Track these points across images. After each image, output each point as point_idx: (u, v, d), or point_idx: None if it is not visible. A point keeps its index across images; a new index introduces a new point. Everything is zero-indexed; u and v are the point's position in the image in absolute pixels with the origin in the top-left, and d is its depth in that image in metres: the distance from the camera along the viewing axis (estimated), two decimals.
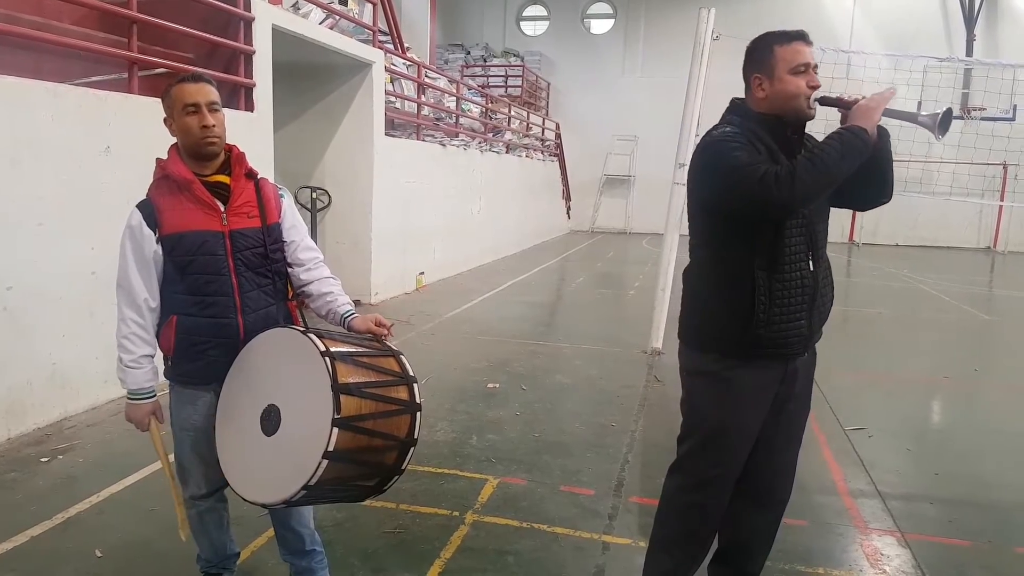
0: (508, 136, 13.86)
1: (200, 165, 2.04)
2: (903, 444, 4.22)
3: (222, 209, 2.04)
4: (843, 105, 1.97)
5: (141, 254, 2.00)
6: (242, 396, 2.01)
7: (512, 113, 14.30)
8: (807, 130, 2.10)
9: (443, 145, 10.11)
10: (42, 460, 3.60)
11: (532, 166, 15.47)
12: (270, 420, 1.92)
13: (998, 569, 2.82)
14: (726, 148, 1.96)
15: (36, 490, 3.27)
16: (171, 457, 2.21)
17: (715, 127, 2.09)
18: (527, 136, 15.46)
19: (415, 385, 2.01)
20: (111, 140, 4.37)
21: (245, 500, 1.95)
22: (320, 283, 2.19)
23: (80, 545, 2.78)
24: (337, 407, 1.79)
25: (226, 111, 6.66)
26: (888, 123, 2.02)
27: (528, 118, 15.63)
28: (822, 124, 2.15)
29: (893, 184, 2.11)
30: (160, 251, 2.00)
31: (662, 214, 6.19)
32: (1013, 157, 15.10)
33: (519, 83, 17.22)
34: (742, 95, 2.12)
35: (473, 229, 11.27)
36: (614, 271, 12.07)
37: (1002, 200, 15.92)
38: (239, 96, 5.72)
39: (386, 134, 8.28)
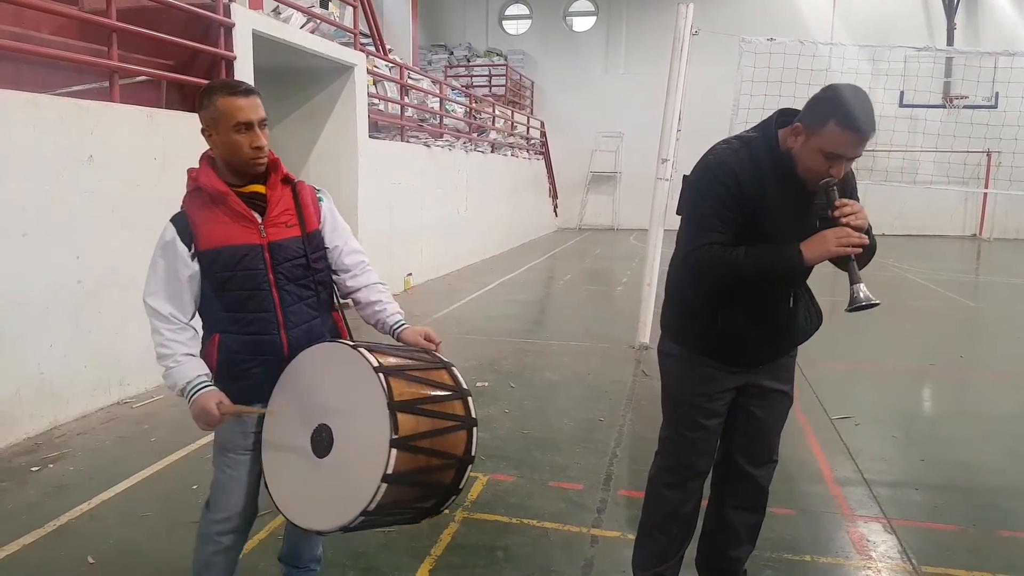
0: (493, 136, 13.88)
1: (236, 176, 1.94)
2: (889, 432, 4.27)
3: (259, 220, 1.94)
4: (826, 209, 1.91)
5: (174, 272, 1.90)
6: (290, 416, 1.92)
7: (496, 112, 14.31)
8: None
9: (428, 146, 10.11)
10: (33, 469, 3.59)
11: (518, 165, 15.49)
12: (321, 441, 1.82)
13: (983, 552, 2.87)
14: (707, 189, 1.98)
15: (27, 499, 3.27)
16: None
17: (726, 141, 2.06)
18: (512, 135, 15.48)
19: (470, 399, 1.93)
20: (93, 149, 4.36)
21: (299, 527, 1.88)
22: (368, 290, 2.11)
23: (72, 553, 2.78)
24: (395, 426, 1.70)
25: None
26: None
27: (512, 117, 15.64)
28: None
29: (874, 251, 2.02)
30: (197, 268, 1.91)
31: (648, 210, 6.22)
32: (996, 144, 15.28)
33: (503, 82, 17.24)
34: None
35: (460, 229, 11.28)
36: (601, 268, 12.10)
37: (986, 188, 16.07)
38: None
39: (370, 136, 8.27)
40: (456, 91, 12.92)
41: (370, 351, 1.82)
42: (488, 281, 9.90)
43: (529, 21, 19.94)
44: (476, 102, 13.35)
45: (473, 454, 1.89)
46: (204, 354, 1.96)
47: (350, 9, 8.20)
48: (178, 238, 1.89)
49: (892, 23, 16.68)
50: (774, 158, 1.96)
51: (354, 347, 1.84)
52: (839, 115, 1.82)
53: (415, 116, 10.14)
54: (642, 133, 16.83)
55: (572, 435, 4.11)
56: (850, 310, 1.87)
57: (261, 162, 1.91)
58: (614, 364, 5.67)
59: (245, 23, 5.88)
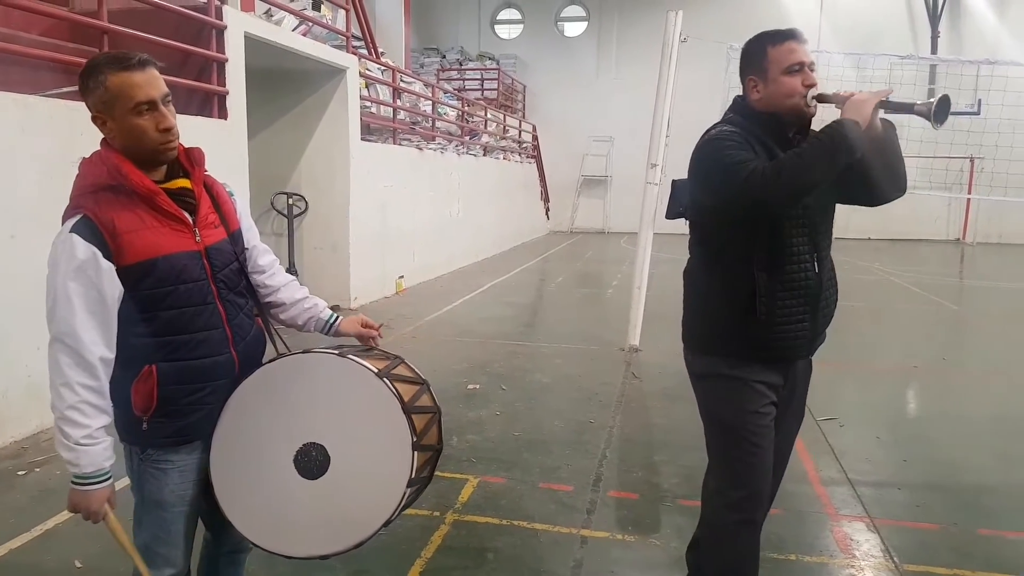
0: (485, 139, 13.92)
1: (143, 168, 1.61)
2: (873, 432, 4.33)
3: (191, 222, 1.66)
4: (840, 101, 1.91)
5: (98, 297, 1.54)
6: (255, 442, 1.74)
7: (488, 116, 14.36)
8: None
9: (420, 149, 10.14)
10: (19, 473, 3.59)
11: (510, 168, 15.54)
12: (311, 461, 1.70)
13: (964, 551, 2.92)
14: (719, 146, 1.93)
15: (14, 503, 3.26)
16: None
17: (715, 125, 2.06)
18: (504, 138, 15.53)
19: (431, 388, 1.93)
20: (84, 151, 4.32)
21: (290, 558, 1.77)
22: (290, 288, 1.92)
23: (60, 556, 2.78)
24: (413, 429, 1.68)
25: (199, 119, 6.60)
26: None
27: (504, 120, 15.70)
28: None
29: (906, 178, 2.04)
30: (122, 288, 1.57)
31: (639, 213, 6.28)
32: (979, 150, 15.48)
33: (495, 86, 17.30)
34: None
35: (452, 232, 11.31)
36: (593, 270, 12.16)
37: (969, 193, 16.26)
38: (212, 104, 5.71)
39: (362, 139, 8.29)
40: (448, 94, 12.96)
41: (358, 355, 1.77)
42: (480, 283, 9.93)
43: (521, 26, 20.02)
44: (468, 105, 13.38)
45: (443, 443, 1.94)
46: (134, 393, 1.62)
47: (342, 12, 8.22)
48: (98, 252, 1.53)
49: (878, 31, 16.87)
50: (760, 122, 1.99)
51: (340, 355, 1.75)
52: (767, 39, 1.98)
53: (407, 119, 10.17)
54: (633, 137, 16.92)
55: (562, 437, 4.15)
56: (937, 110, 1.83)
57: (172, 146, 1.62)
58: (604, 366, 5.71)
59: (237, 25, 5.90)
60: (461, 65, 18.12)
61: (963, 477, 3.68)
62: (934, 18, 17.29)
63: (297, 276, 7.47)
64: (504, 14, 20.19)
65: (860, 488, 3.49)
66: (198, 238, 1.67)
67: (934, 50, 17.11)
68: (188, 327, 1.65)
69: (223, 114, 5.78)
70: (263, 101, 7.36)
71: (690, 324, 2.17)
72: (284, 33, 6.72)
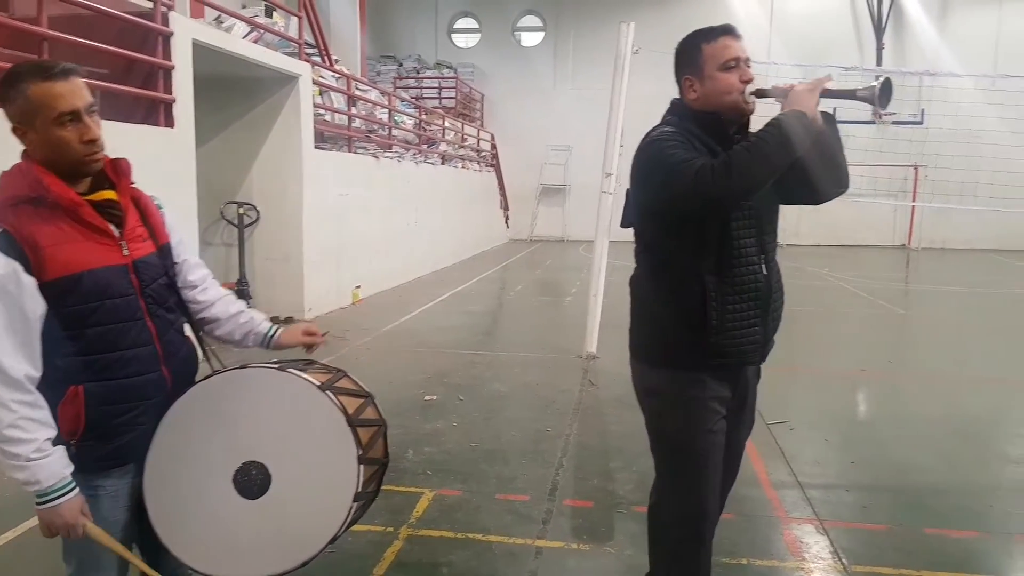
0: (443, 147, 13.88)
1: (72, 182, 1.57)
2: (822, 435, 4.43)
3: (117, 235, 1.60)
4: (780, 94, 1.87)
5: (20, 314, 1.47)
6: (192, 463, 1.68)
7: (446, 124, 14.34)
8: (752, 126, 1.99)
9: (376, 157, 10.06)
10: None
11: (469, 176, 15.53)
12: (251, 480, 1.65)
13: (909, 550, 2.99)
14: (662, 147, 1.87)
15: None
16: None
17: (654, 128, 2.00)
18: (463, 147, 15.51)
19: (376, 400, 1.90)
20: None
21: None
22: (224, 303, 1.85)
23: None
24: (359, 442, 1.64)
25: (144, 128, 6.40)
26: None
27: (463, 129, 15.68)
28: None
29: (847, 172, 1.99)
30: (45, 305, 1.50)
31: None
32: (922, 159, 16.06)
33: (453, 94, 17.28)
34: (665, 106, 2.05)
35: (411, 240, 11.23)
36: (552, 278, 12.21)
37: (914, 200, 16.83)
38: (158, 112, 5.57)
39: (316, 147, 8.19)
40: (405, 102, 12.90)
41: (299, 369, 1.72)
42: (439, 292, 9.88)
43: (478, 35, 20.07)
44: (426, 113, 13.34)
45: (389, 456, 1.90)
46: (59, 416, 1.55)
47: (295, 19, 8.12)
48: (19, 267, 1.46)
49: (826, 43, 17.36)
50: (699, 122, 1.95)
51: (279, 368, 1.70)
52: (701, 36, 1.95)
53: (363, 127, 10.08)
54: (590, 146, 17.02)
55: (520, 446, 4.13)
56: (881, 93, 1.80)
57: (97, 158, 1.56)
58: (562, 374, 5.72)
59: (184, 32, 5.77)
60: (419, 73, 18.05)
61: (909, 477, 3.78)
62: (879, 30, 17.91)
63: (248, 287, 7.47)
64: (461, 23, 20.21)
65: (810, 491, 3.56)
66: (125, 251, 1.61)
67: (879, 61, 17.72)
68: (116, 345, 1.58)
69: (169, 122, 5.63)
70: (213, 109, 7.21)
71: (637, 334, 2.10)
72: (234, 40, 6.60)
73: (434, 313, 8.54)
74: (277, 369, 1.70)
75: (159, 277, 1.69)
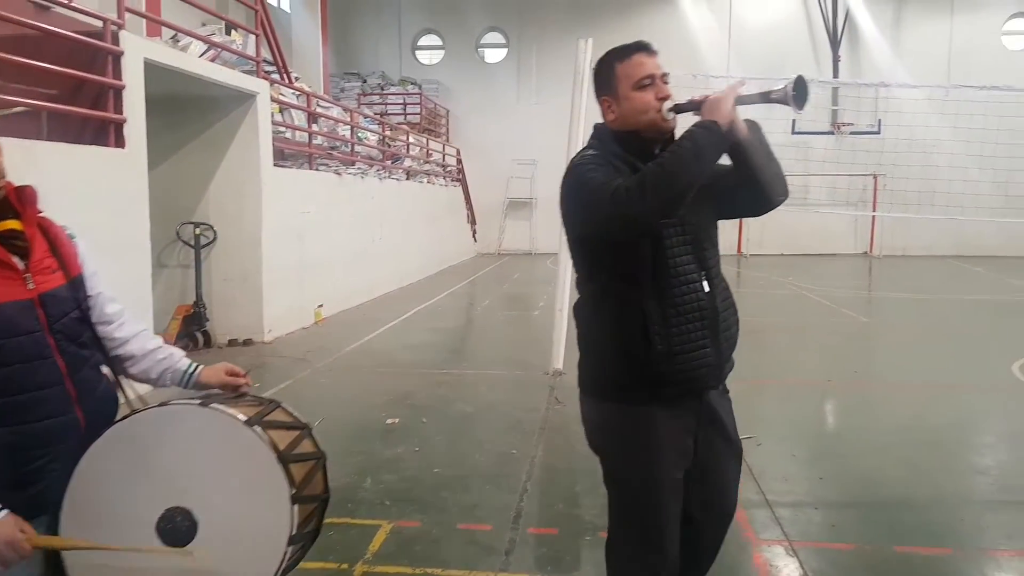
0: (408, 163, 13.78)
1: None
2: (790, 449, 4.40)
3: (21, 267, 1.51)
4: (695, 107, 1.83)
5: None
6: (111, 511, 1.57)
7: (411, 140, 14.25)
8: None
9: (339, 174, 9.92)
10: None
11: (435, 192, 15.43)
12: (175, 528, 1.54)
13: (880, 570, 2.95)
14: (580, 172, 1.83)
15: None
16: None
17: (578, 153, 1.96)
18: (428, 162, 15.43)
19: (313, 432, 1.79)
20: None
21: None
22: (141, 339, 1.75)
23: None
24: (291, 480, 1.55)
25: (94, 149, 6.23)
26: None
27: (428, 144, 15.61)
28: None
29: (784, 178, 1.96)
30: None
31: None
32: (880, 168, 16.42)
33: (418, 110, 17.22)
34: (592, 128, 2.00)
35: (375, 257, 11.07)
36: (520, 292, 12.15)
37: (874, 210, 17.18)
38: (108, 132, 5.39)
39: (276, 164, 8.03)
40: (368, 119, 12.78)
41: (223, 404, 1.61)
42: (405, 309, 9.73)
43: (442, 52, 20.09)
44: (390, 129, 13.23)
45: (329, 491, 1.79)
46: None
47: (252, 37, 7.98)
48: None
49: (783, 56, 17.68)
50: (621, 143, 1.90)
51: (203, 404, 1.60)
52: (614, 55, 1.92)
53: (324, 144, 9.94)
54: (554, 160, 16.87)
55: (483, 471, 4.02)
56: (795, 93, 1.77)
57: None
58: (528, 392, 5.63)
59: (135, 52, 5.61)
60: (383, 89, 17.97)
61: (878, 492, 3.75)
62: (834, 43, 18.32)
63: (205, 309, 7.26)
64: (425, 40, 20.22)
65: (778, 510, 3.51)
66: (30, 285, 1.51)
67: (835, 74, 18.12)
68: (23, 387, 1.47)
69: (120, 143, 5.45)
70: (168, 128, 7.02)
71: (583, 367, 2.01)
72: (188, 59, 6.44)
73: (399, 331, 8.39)
74: (200, 405, 1.60)
75: (70, 311, 1.58)
